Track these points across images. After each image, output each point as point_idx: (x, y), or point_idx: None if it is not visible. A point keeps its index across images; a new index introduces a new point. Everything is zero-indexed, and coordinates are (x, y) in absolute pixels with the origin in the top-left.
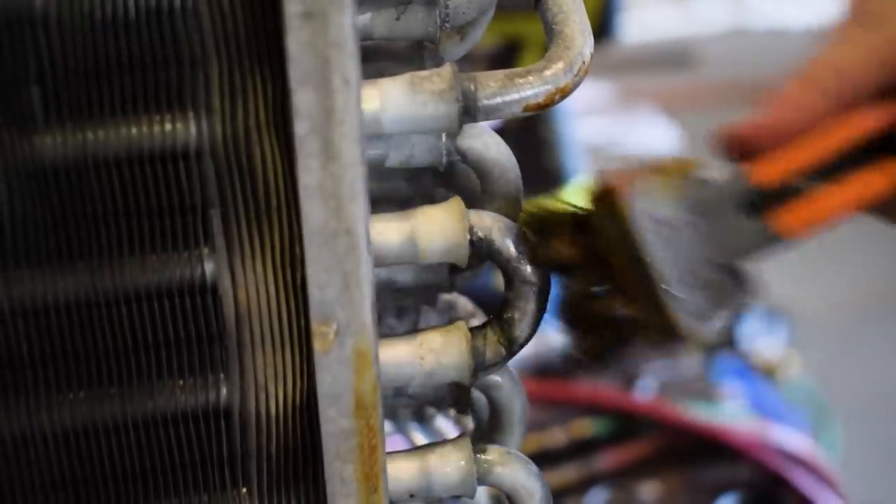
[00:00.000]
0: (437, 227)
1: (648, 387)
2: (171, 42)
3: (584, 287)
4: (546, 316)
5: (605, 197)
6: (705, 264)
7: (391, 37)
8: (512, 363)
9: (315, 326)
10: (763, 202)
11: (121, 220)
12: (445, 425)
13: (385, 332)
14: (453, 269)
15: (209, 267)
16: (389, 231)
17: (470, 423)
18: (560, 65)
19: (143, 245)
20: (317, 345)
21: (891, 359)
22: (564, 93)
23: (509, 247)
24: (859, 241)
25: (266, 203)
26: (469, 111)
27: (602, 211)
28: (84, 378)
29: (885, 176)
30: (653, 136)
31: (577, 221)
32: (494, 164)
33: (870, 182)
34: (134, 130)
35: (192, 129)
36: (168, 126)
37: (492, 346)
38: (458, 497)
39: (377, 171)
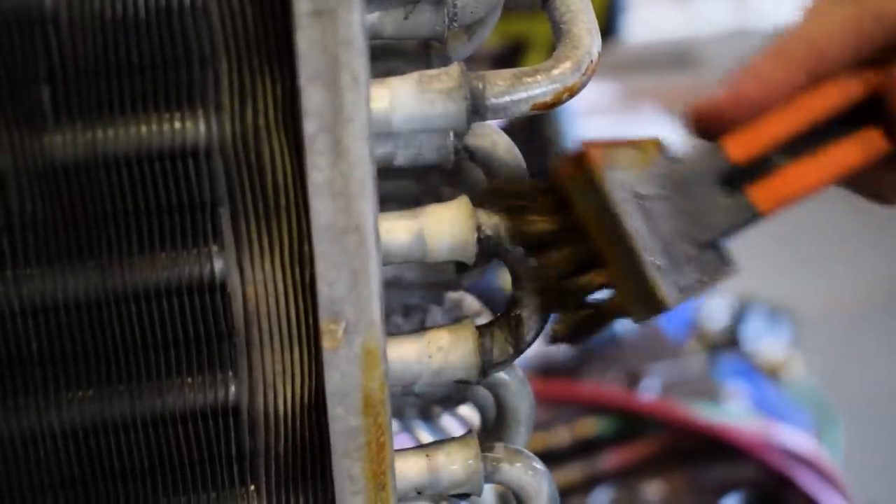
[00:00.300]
0: (445, 226)
1: (652, 386)
2: (180, 41)
3: (561, 263)
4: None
5: (579, 166)
6: (684, 240)
7: (399, 36)
8: (517, 362)
9: (324, 324)
10: (738, 178)
11: (130, 219)
12: (451, 423)
13: (391, 331)
14: (460, 267)
15: (218, 265)
16: (398, 229)
17: (477, 421)
18: (568, 64)
19: (153, 243)
20: (325, 342)
21: (893, 359)
22: (572, 92)
23: (517, 245)
24: (863, 241)
25: (275, 201)
26: (477, 110)
27: (577, 181)
28: (93, 376)
29: (860, 146)
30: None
31: (549, 194)
32: (502, 162)
33: (846, 153)
34: (144, 129)
35: (202, 127)
36: (178, 124)
37: (499, 344)
38: (465, 495)
39: (385, 170)
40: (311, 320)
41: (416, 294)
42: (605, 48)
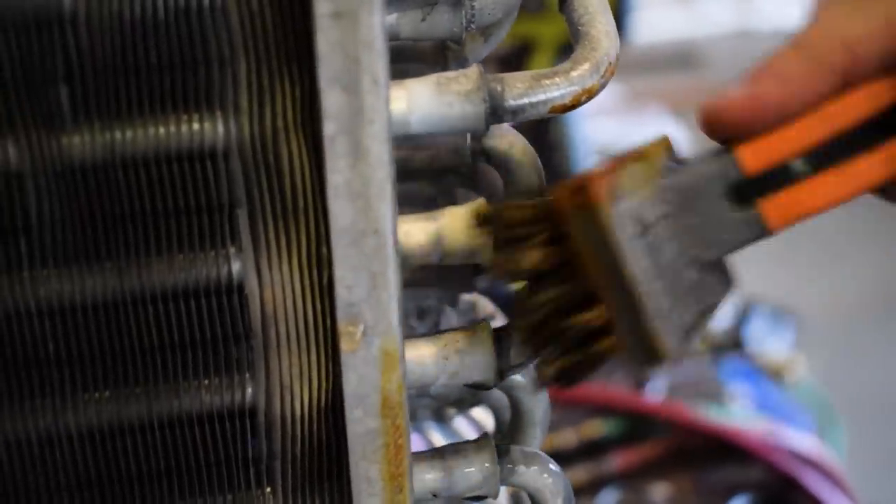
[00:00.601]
0: (462, 227)
1: (658, 388)
2: (199, 41)
3: (555, 300)
4: None
5: (581, 200)
6: (687, 264)
7: (417, 37)
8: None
9: (342, 326)
10: (750, 189)
11: (148, 220)
12: (464, 425)
13: (406, 333)
14: (476, 269)
15: (236, 266)
16: (416, 231)
17: (490, 423)
18: (586, 66)
19: (170, 244)
20: (344, 345)
21: (894, 359)
22: (591, 94)
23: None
24: (866, 243)
25: (293, 203)
26: (496, 112)
27: (577, 216)
28: (110, 378)
29: (887, 160)
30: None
31: (549, 222)
32: (519, 164)
33: (871, 168)
34: (162, 130)
35: (220, 128)
36: (196, 125)
37: (516, 346)
38: (480, 497)
39: (401, 172)
40: (328, 322)
41: (431, 296)
42: None
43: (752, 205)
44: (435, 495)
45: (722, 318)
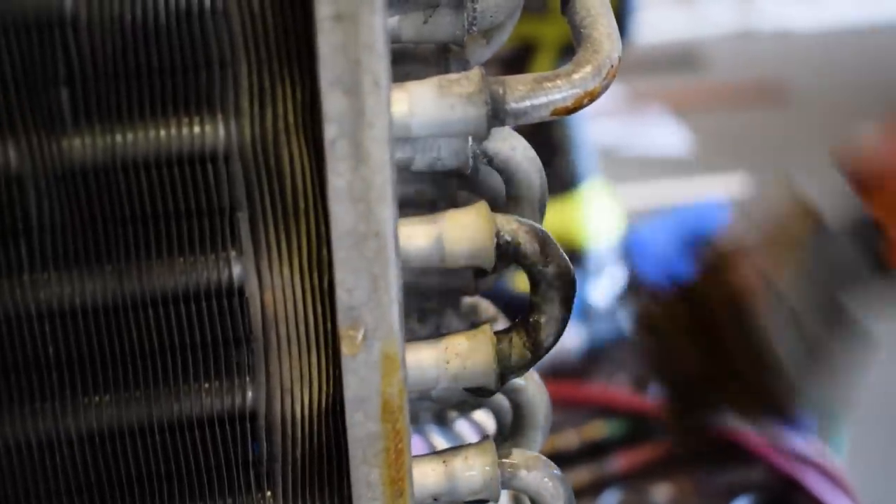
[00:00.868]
0: (464, 231)
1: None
2: (200, 44)
3: (691, 352)
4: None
5: (722, 274)
6: (819, 319)
7: (418, 40)
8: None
9: (342, 330)
10: (878, 238)
11: (148, 223)
12: (466, 428)
13: (407, 336)
14: (478, 272)
15: (236, 270)
16: (417, 234)
17: (492, 423)
18: (588, 68)
19: (171, 247)
20: (344, 348)
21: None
22: (593, 96)
23: (536, 250)
24: None
25: (294, 205)
26: (497, 115)
27: (717, 289)
28: (110, 381)
29: None
30: (662, 137)
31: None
32: (520, 167)
33: None
34: (162, 132)
35: (221, 131)
36: (196, 128)
37: (517, 350)
38: (482, 501)
39: (402, 175)
40: (329, 326)
41: (432, 299)
42: None
43: (876, 253)
44: (436, 499)
45: None
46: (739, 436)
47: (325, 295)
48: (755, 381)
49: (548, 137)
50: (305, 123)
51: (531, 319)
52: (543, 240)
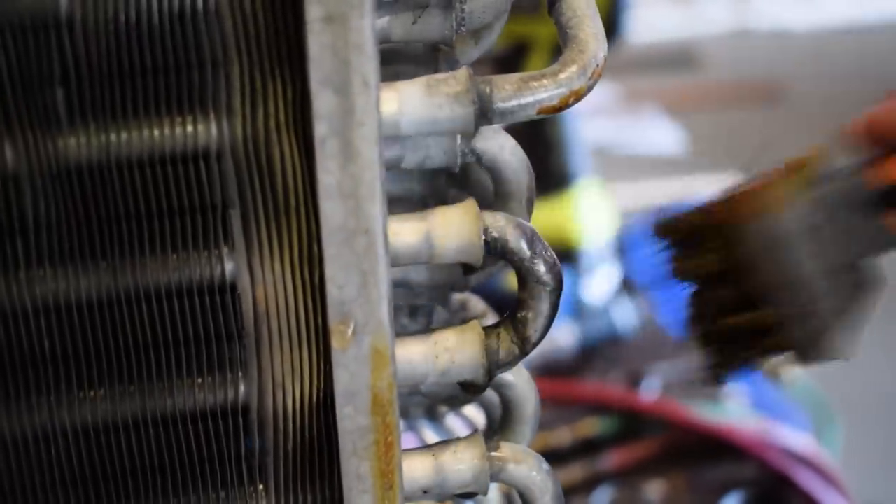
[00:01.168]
0: (452, 228)
1: (653, 386)
2: (192, 44)
3: (722, 300)
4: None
5: (755, 206)
6: (835, 268)
7: (408, 39)
8: (522, 363)
9: (333, 324)
10: (884, 201)
11: (142, 220)
12: (457, 423)
13: (398, 331)
14: (467, 268)
15: (229, 266)
16: (406, 231)
17: (482, 419)
18: (574, 68)
19: (164, 244)
20: (334, 343)
21: (891, 360)
22: (578, 96)
23: (523, 247)
24: None
25: (285, 203)
26: (485, 113)
27: (752, 221)
28: (105, 375)
29: None
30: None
31: (717, 232)
32: (508, 165)
33: None
34: (156, 131)
35: (213, 130)
36: (189, 127)
37: (505, 345)
38: (471, 494)
39: (393, 172)
40: (320, 321)
41: (422, 295)
42: (608, 49)
43: (883, 215)
44: (426, 491)
45: None
46: (731, 433)
47: (315, 290)
48: (788, 315)
49: (542, 136)
50: (296, 122)
51: (519, 315)
52: (531, 236)
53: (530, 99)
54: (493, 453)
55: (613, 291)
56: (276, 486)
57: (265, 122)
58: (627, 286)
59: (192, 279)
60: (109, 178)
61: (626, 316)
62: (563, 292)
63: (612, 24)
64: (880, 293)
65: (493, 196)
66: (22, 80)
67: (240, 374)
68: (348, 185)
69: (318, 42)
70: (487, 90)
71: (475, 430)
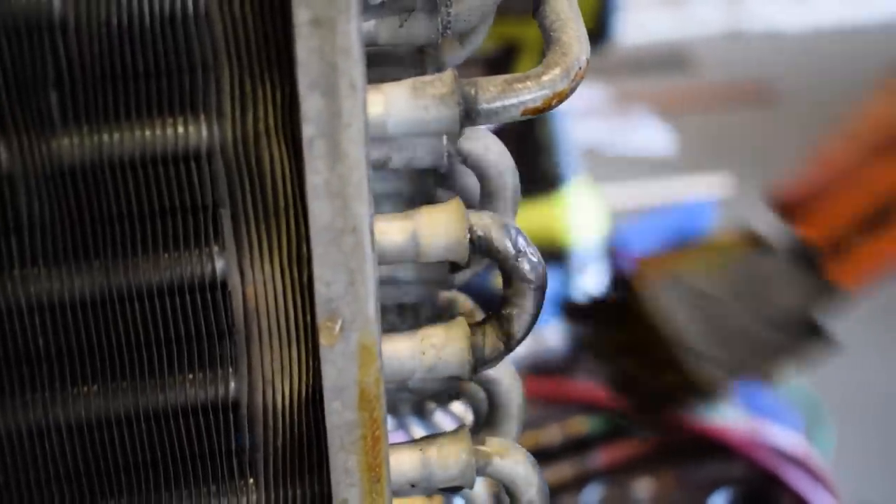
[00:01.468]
0: (438, 227)
1: None
2: (184, 48)
3: (633, 367)
4: (543, 313)
5: (640, 280)
6: (762, 324)
7: (394, 42)
8: (508, 359)
9: (321, 322)
10: (817, 258)
11: (135, 220)
12: (445, 420)
13: (386, 328)
14: (453, 267)
15: (219, 265)
16: (393, 230)
17: (470, 416)
18: (557, 70)
19: (156, 244)
20: (323, 339)
21: (882, 360)
22: (561, 97)
23: (508, 245)
24: None
25: (274, 203)
26: (470, 115)
27: (637, 294)
28: (98, 372)
29: None
30: (648, 137)
31: (619, 310)
32: (493, 165)
33: None
34: (148, 133)
35: (204, 132)
36: (181, 129)
37: (490, 341)
38: (457, 488)
39: (381, 173)
40: (308, 318)
41: (410, 293)
42: (597, 50)
43: (818, 271)
44: (413, 485)
45: None
46: (721, 431)
47: (304, 288)
48: (681, 370)
49: (533, 137)
50: (285, 124)
51: (504, 312)
52: (515, 235)
53: (514, 100)
54: (479, 448)
55: (604, 291)
56: (265, 481)
57: (255, 125)
58: (619, 286)
59: (184, 278)
60: (102, 178)
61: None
62: (556, 292)
63: (601, 26)
64: (826, 344)
65: (479, 196)
66: (16, 82)
67: (230, 370)
68: (336, 185)
69: (305, 46)
70: (472, 92)
71: (462, 425)
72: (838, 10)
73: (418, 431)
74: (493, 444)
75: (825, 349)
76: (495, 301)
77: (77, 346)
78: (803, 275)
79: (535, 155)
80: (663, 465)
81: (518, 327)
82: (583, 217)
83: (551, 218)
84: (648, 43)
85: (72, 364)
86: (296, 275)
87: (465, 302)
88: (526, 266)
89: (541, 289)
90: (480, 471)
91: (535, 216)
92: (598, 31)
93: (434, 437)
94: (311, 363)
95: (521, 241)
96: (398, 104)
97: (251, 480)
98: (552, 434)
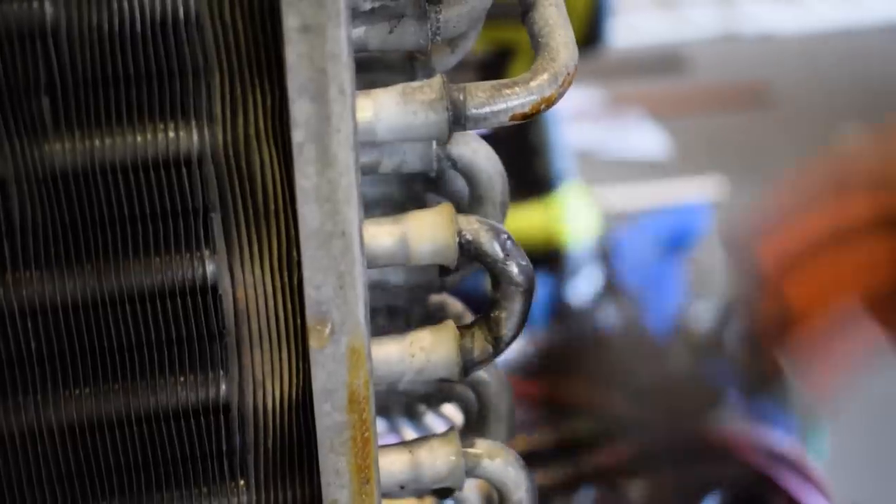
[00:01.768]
0: (427, 231)
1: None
2: (174, 54)
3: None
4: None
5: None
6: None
7: (384, 48)
8: (501, 363)
9: (311, 325)
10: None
11: (126, 224)
12: (436, 422)
13: (377, 331)
14: (443, 270)
15: (210, 268)
16: (382, 234)
17: (460, 418)
18: (545, 76)
19: (147, 247)
20: (312, 342)
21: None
22: (549, 103)
23: (496, 249)
24: None
25: (265, 207)
26: (458, 120)
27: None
28: (90, 375)
29: (875, 249)
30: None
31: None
32: (482, 170)
33: (868, 255)
34: (139, 138)
35: (195, 136)
36: (172, 134)
37: (479, 344)
38: (447, 490)
39: (371, 177)
40: (298, 321)
41: (400, 296)
42: (589, 54)
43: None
44: (402, 486)
45: (704, 321)
46: (714, 433)
47: (294, 292)
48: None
49: (527, 140)
50: (275, 129)
51: (492, 315)
52: (504, 239)
53: (502, 106)
54: (469, 449)
55: (597, 293)
56: (256, 482)
57: (245, 129)
58: (611, 288)
59: (175, 281)
60: (94, 182)
61: (609, 317)
62: (550, 294)
63: (594, 29)
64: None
65: (469, 200)
66: (9, 88)
67: (221, 373)
68: (325, 190)
69: (295, 51)
70: (461, 97)
71: (451, 427)
72: (833, 13)
73: (410, 433)
74: (482, 445)
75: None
76: (485, 303)
77: (69, 349)
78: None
79: (528, 158)
80: (656, 467)
81: (506, 330)
82: (577, 219)
83: (545, 221)
84: (642, 46)
85: (63, 367)
86: (286, 278)
87: (455, 305)
88: (514, 269)
89: (529, 291)
90: (469, 472)
91: (529, 219)
92: (591, 34)
93: (423, 439)
94: (301, 365)
95: (509, 245)
96: (387, 109)
97: (242, 482)
98: (545, 436)
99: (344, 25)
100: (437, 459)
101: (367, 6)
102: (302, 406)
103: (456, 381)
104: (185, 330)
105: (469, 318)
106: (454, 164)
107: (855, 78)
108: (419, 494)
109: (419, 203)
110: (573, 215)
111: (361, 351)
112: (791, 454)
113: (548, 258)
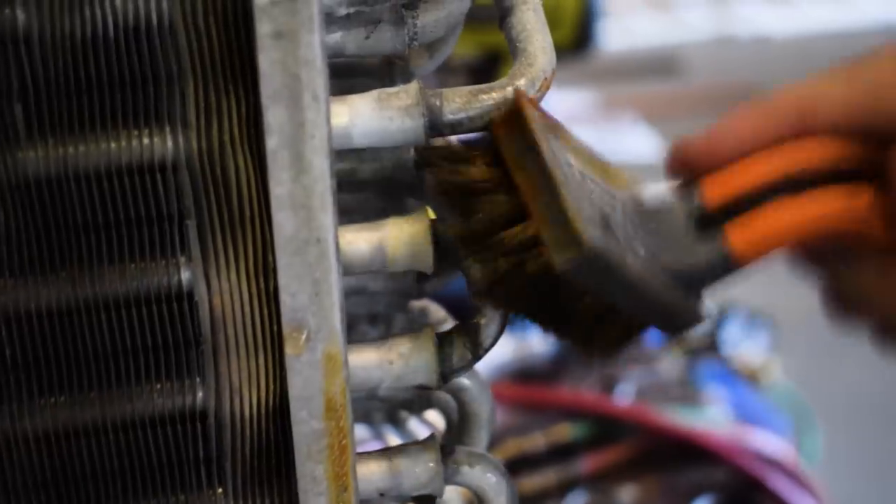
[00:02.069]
0: (404, 237)
1: (628, 391)
2: (148, 60)
3: (487, 212)
4: (518, 322)
5: (512, 117)
6: (648, 250)
7: (361, 54)
8: (492, 368)
9: (287, 332)
10: (712, 220)
11: (100, 231)
12: (419, 428)
13: (357, 338)
14: (422, 276)
15: (185, 275)
16: (358, 240)
17: (441, 425)
18: (522, 81)
19: (122, 254)
20: (288, 349)
21: (871, 363)
22: None
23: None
24: None
25: (240, 214)
26: (435, 126)
27: (511, 128)
28: (65, 383)
29: (845, 194)
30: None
31: (485, 151)
32: None
33: (828, 198)
34: (113, 144)
35: (169, 143)
36: (146, 140)
37: (458, 350)
38: (428, 498)
39: (349, 184)
40: (275, 328)
41: (381, 302)
42: (581, 56)
43: (714, 231)
44: (382, 494)
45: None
46: (704, 437)
47: (270, 299)
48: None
49: None
50: (250, 135)
51: (472, 322)
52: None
53: (479, 111)
54: (448, 456)
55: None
56: (234, 489)
57: (219, 136)
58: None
59: (150, 288)
60: (68, 189)
61: None
62: None
63: (584, 32)
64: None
65: None
66: None
67: (197, 380)
68: (300, 196)
69: (268, 58)
70: (437, 103)
71: (432, 434)
72: (827, 15)
73: (393, 440)
74: (462, 453)
75: (691, 323)
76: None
77: (44, 357)
78: (695, 231)
79: None
80: (647, 470)
81: (485, 336)
82: None
83: None
84: (635, 48)
85: (38, 374)
86: (262, 285)
87: (437, 311)
88: None
89: None
90: (449, 479)
91: None
92: (582, 36)
93: (403, 446)
94: (277, 372)
95: None
96: (363, 115)
97: (220, 489)
98: (536, 441)
99: (317, 31)
100: (417, 467)
101: (343, 11)
102: (279, 413)
103: (435, 387)
104: (161, 337)
105: (451, 323)
106: None
107: None
108: (400, 502)
109: (398, 209)
110: None
111: (338, 358)
112: (782, 457)
113: None
